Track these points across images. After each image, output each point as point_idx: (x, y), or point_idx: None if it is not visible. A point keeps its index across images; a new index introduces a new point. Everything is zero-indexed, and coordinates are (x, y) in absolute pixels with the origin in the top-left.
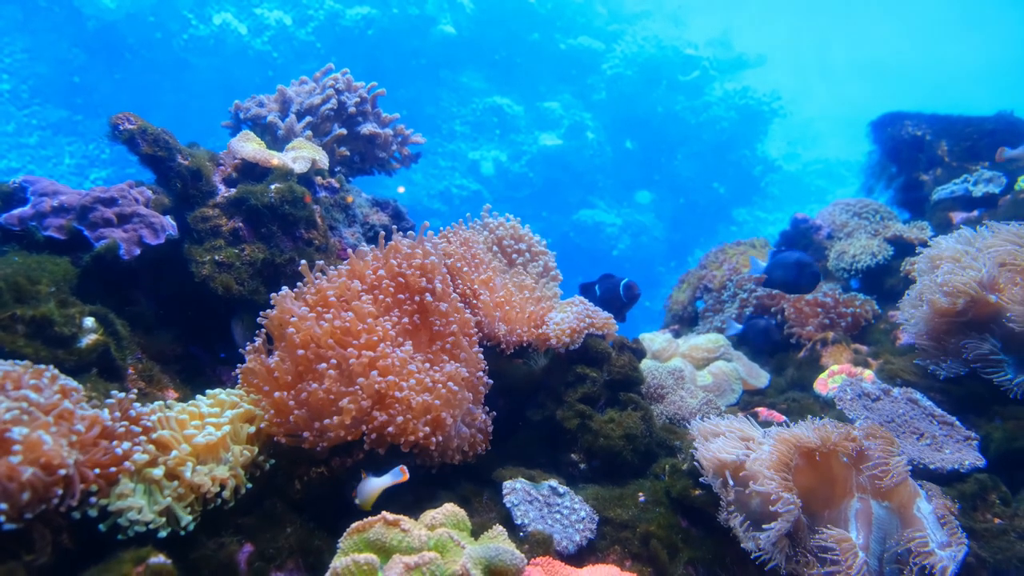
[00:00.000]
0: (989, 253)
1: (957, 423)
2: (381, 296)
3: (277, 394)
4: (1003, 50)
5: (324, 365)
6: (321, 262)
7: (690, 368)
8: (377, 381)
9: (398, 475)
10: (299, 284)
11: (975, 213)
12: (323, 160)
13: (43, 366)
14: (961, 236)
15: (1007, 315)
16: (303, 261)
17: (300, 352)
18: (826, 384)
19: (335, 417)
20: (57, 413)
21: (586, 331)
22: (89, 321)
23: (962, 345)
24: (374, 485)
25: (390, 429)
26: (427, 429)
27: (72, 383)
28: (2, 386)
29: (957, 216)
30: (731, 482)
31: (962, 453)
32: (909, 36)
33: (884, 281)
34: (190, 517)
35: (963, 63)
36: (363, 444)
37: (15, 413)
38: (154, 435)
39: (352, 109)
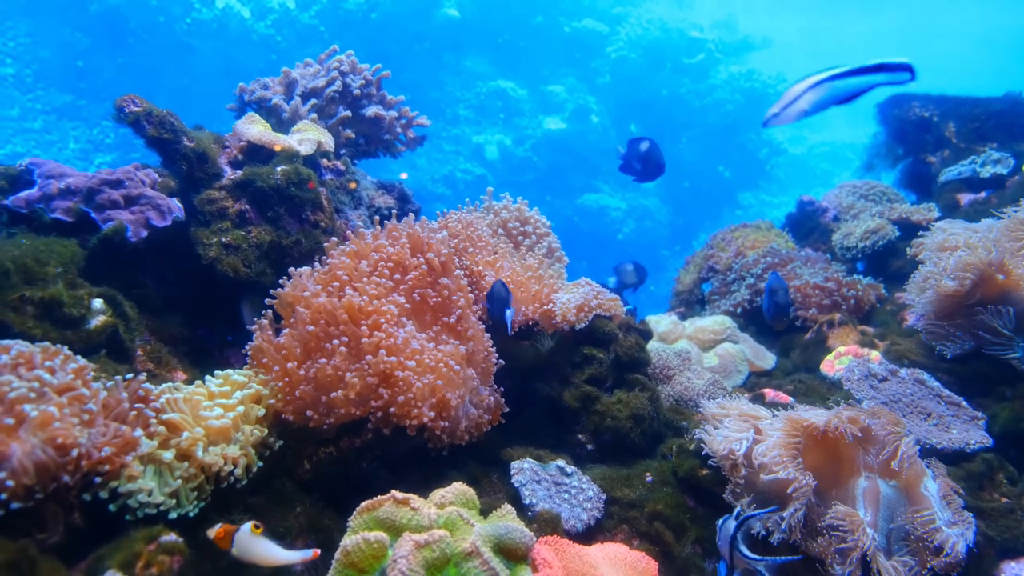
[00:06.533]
0: (996, 234)
1: (964, 403)
2: (379, 279)
3: (290, 365)
4: (1007, 28)
5: (336, 342)
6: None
7: (696, 350)
8: (384, 361)
9: (307, 554)
10: (312, 265)
11: (983, 194)
12: (328, 142)
13: (56, 347)
14: (967, 222)
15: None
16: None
17: (310, 328)
18: (833, 365)
19: (340, 390)
20: (71, 394)
21: (593, 311)
22: (98, 303)
23: (974, 318)
24: (265, 552)
25: (392, 409)
26: (431, 414)
27: (84, 363)
28: (16, 366)
29: (964, 197)
30: (741, 463)
31: (969, 433)
32: (915, 17)
33: (890, 263)
34: (195, 505)
35: (969, 43)
36: (369, 423)
37: (25, 392)
38: (164, 416)
39: (357, 91)
